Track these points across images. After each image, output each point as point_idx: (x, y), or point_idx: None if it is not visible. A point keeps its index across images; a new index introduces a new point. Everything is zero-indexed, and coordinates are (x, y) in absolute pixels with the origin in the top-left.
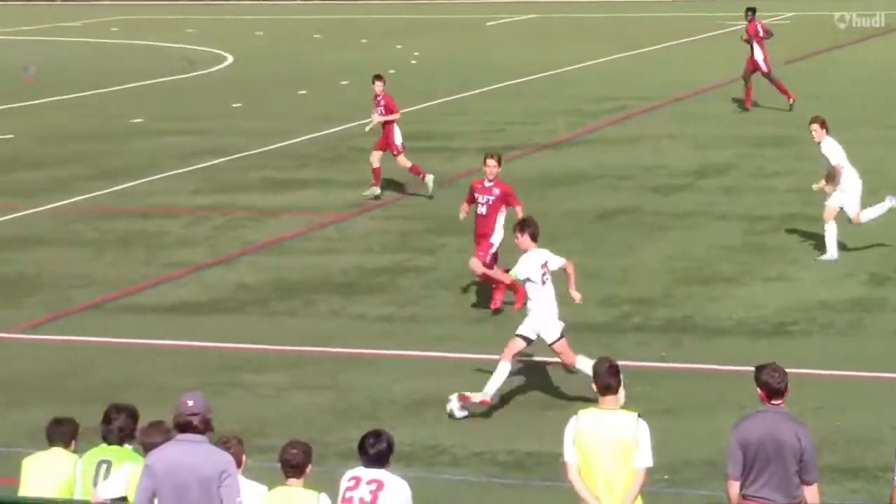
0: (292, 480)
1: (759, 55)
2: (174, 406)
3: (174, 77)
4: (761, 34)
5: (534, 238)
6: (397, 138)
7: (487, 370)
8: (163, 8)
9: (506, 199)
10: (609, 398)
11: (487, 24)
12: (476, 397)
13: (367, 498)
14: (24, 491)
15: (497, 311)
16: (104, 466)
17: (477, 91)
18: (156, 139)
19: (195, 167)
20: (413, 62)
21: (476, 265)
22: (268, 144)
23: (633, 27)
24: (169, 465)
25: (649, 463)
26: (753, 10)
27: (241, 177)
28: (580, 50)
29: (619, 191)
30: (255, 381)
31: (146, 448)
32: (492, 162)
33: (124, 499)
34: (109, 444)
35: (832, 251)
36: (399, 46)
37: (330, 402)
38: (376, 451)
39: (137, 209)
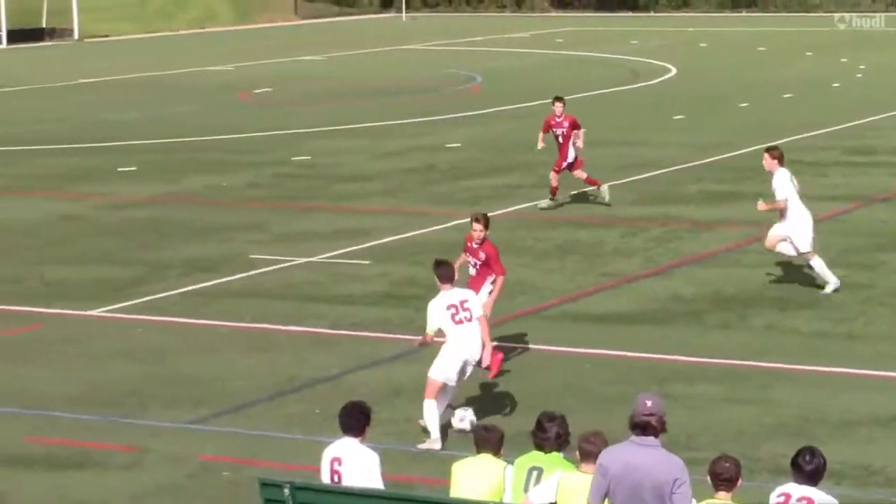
0: (722, 494)
1: None
2: (605, 413)
3: (618, 88)
4: None
5: (441, 279)
6: (574, 154)
7: None
8: (608, 20)
9: (489, 263)
10: None
11: None
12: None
13: None
14: (455, 496)
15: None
16: (535, 473)
17: None
18: (596, 149)
19: (634, 178)
20: (858, 75)
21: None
22: (707, 157)
23: None
24: (624, 466)
25: None
26: None
27: (679, 189)
28: None
29: None
30: (685, 392)
31: (582, 455)
32: (477, 226)
33: None
34: (546, 451)
35: (831, 279)
36: (844, 60)
37: (760, 417)
38: (813, 467)
39: (575, 218)
